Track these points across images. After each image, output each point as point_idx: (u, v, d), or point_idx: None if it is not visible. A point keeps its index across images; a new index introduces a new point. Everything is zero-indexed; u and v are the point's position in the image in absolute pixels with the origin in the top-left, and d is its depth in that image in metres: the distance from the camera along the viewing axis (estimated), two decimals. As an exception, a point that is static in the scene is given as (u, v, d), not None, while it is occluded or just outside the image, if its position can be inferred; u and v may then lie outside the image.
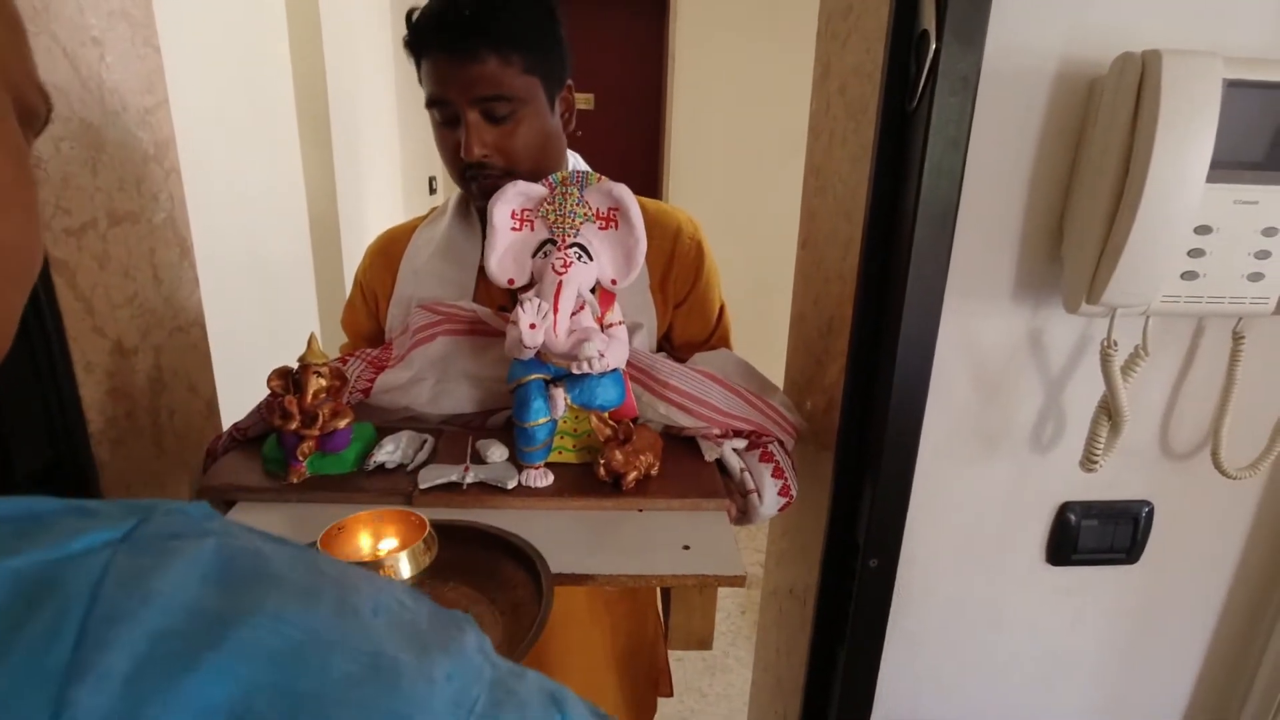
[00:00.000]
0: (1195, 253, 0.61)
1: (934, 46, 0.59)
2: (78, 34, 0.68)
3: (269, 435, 0.73)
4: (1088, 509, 0.76)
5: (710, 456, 0.75)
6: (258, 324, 1.60)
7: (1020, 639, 0.82)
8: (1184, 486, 0.76)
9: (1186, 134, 0.55)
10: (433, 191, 3.09)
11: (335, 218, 2.01)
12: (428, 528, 0.55)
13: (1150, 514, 0.77)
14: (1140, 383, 0.69)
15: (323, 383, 0.69)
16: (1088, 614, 0.81)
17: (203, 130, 1.38)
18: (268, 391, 0.71)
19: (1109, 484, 0.75)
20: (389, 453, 0.72)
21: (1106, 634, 0.82)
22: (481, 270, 0.86)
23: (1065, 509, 0.76)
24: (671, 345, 0.92)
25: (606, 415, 0.70)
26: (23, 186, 0.25)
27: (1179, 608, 0.82)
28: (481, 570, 0.57)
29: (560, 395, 0.69)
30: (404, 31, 0.77)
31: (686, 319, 0.91)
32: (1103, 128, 0.60)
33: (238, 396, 0.99)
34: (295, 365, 0.70)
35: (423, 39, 0.75)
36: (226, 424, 0.95)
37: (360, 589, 0.19)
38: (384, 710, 0.16)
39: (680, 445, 0.77)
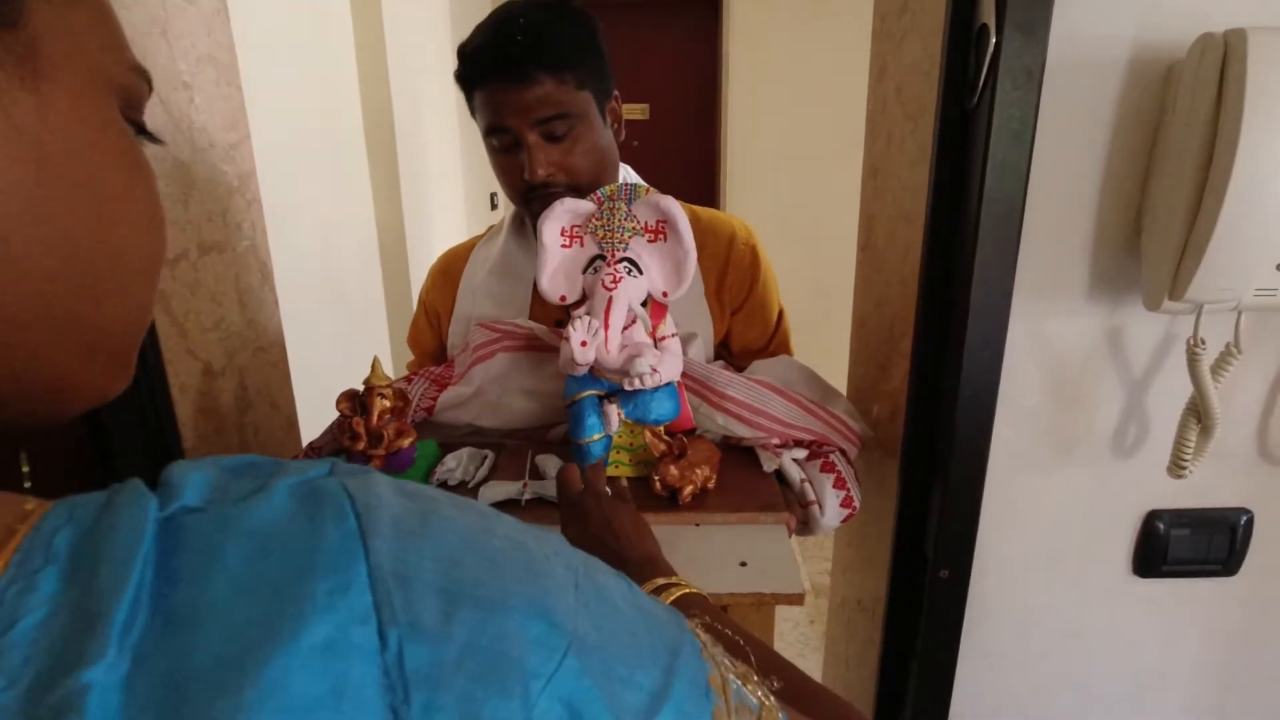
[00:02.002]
0: (1292, 242, 0.57)
1: (994, 40, 0.58)
2: (170, 79, 0.73)
3: (340, 454, 0.77)
4: (1178, 517, 0.71)
5: (769, 467, 0.74)
6: (331, 343, 1.68)
7: (1106, 656, 0.78)
8: (1288, 493, 0.71)
9: (1277, 115, 0.52)
10: (494, 207, 3.18)
11: (403, 240, 2.09)
12: None
13: (1250, 523, 0.71)
14: (1233, 382, 0.64)
15: (386, 404, 0.71)
16: (1181, 630, 0.76)
17: (279, 162, 1.46)
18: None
19: (1202, 491, 0.71)
20: (450, 470, 0.74)
21: (1203, 652, 0.77)
22: (537, 286, 0.88)
23: (1153, 517, 0.72)
24: (730, 352, 0.91)
25: (661, 430, 0.70)
26: (136, 184, 0.27)
27: (1287, 624, 0.76)
28: None
29: (614, 411, 0.69)
30: (455, 65, 0.80)
31: (744, 325, 0.90)
32: (1183, 113, 0.57)
33: (315, 412, 1.04)
34: (361, 387, 0.73)
35: (477, 70, 0.78)
36: (304, 438, 1.01)
37: (479, 507, 0.26)
38: (531, 569, 0.23)
39: (739, 456, 0.77)
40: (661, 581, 0.48)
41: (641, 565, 0.51)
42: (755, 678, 0.29)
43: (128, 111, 0.28)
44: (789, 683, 0.32)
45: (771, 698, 0.28)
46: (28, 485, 0.23)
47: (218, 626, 0.18)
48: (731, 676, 0.27)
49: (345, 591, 0.19)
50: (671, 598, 0.46)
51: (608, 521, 0.56)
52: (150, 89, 0.29)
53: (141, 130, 0.29)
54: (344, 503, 0.22)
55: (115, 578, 0.19)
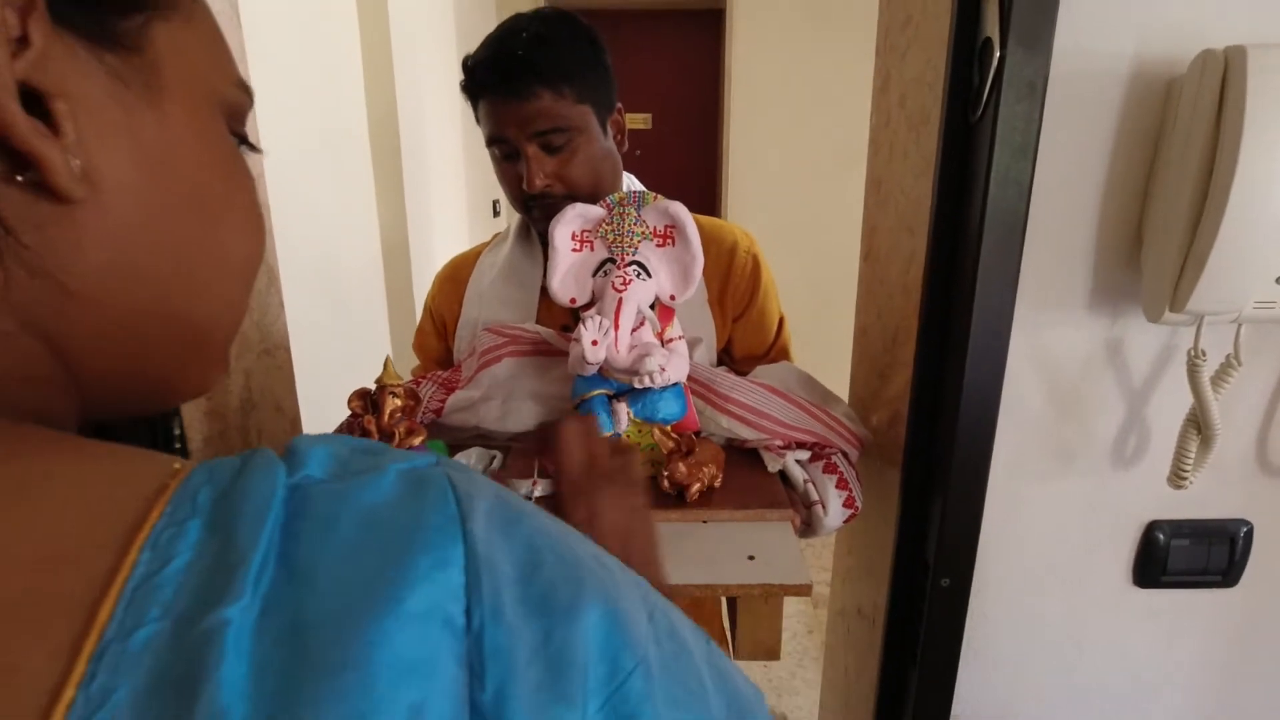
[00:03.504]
0: (1291, 256, 0.57)
1: (998, 54, 0.58)
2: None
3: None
4: (1178, 528, 0.72)
5: (773, 468, 0.75)
6: (334, 347, 1.68)
7: (1106, 665, 0.78)
8: (1287, 505, 0.71)
9: (1276, 131, 0.53)
10: (496, 214, 3.19)
11: (406, 246, 2.10)
12: None
13: (1249, 534, 0.72)
14: (1233, 394, 0.65)
15: (398, 403, 0.72)
16: (1181, 640, 0.76)
17: (286, 167, 1.47)
18: (345, 411, 0.75)
19: (1202, 502, 0.71)
20: (460, 469, 0.75)
21: (1203, 662, 0.77)
22: (543, 291, 0.88)
23: (1153, 528, 0.72)
24: (732, 359, 0.92)
25: (669, 428, 0.71)
26: (238, 193, 0.30)
27: (1286, 636, 0.76)
28: None
29: (623, 410, 0.70)
30: (461, 75, 0.82)
31: (746, 332, 0.91)
32: (1183, 128, 0.58)
33: (316, 415, 1.04)
34: (373, 387, 0.73)
35: (479, 83, 0.80)
36: (308, 442, 1.01)
37: (566, 525, 0.27)
38: (611, 584, 0.24)
39: (743, 457, 0.77)
40: None
41: None
42: None
43: (232, 124, 0.30)
44: None
45: None
46: (178, 447, 0.25)
47: (332, 584, 0.20)
48: None
49: (445, 567, 0.21)
50: None
51: (624, 536, 0.44)
52: (252, 102, 0.31)
53: (244, 140, 0.31)
54: (447, 489, 0.23)
55: (249, 533, 0.21)
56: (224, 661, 0.18)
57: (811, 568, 0.61)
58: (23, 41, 0.21)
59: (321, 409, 1.07)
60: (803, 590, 0.58)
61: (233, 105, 0.29)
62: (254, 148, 0.32)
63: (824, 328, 2.37)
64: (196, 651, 0.18)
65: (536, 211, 0.84)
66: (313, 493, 0.22)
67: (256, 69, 0.89)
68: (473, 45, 0.82)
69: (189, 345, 0.29)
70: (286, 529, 0.21)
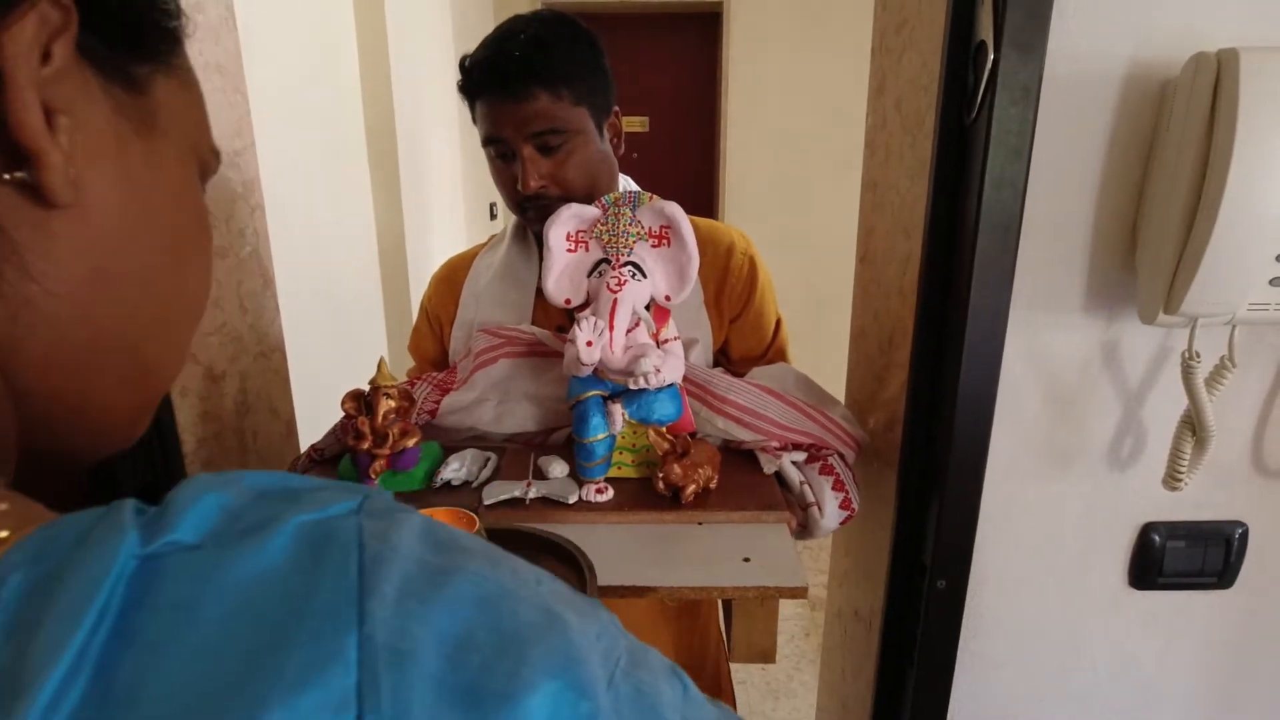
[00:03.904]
0: (1285, 258, 0.58)
1: (992, 57, 0.59)
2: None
3: (344, 455, 0.77)
4: (1173, 530, 0.72)
5: (769, 469, 0.75)
6: (330, 349, 1.68)
7: (1103, 667, 0.78)
8: (1282, 506, 0.71)
9: (1269, 133, 0.53)
10: (493, 217, 3.19)
11: (403, 248, 2.10)
12: (478, 525, 0.57)
13: (1244, 535, 0.72)
14: (1228, 396, 0.65)
15: (392, 404, 0.72)
16: (1177, 642, 0.77)
17: (282, 169, 1.47)
18: (341, 414, 0.75)
19: (1197, 503, 0.71)
20: (455, 470, 0.74)
21: (1199, 664, 0.77)
22: (539, 293, 0.88)
23: (1149, 529, 0.72)
24: (729, 360, 0.92)
25: (664, 430, 0.71)
26: (202, 237, 0.32)
27: (1279, 637, 0.76)
28: None
29: (618, 411, 0.70)
30: (458, 76, 0.82)
31: (742, 334, 0.91)
32: (1177, 130, 0.58)
33: (312, 417, 1.04)
34: (367, 388, 0.73)
35: (476, 83, 0.80)
36: (302, 444, 1.01)
37: (521, 563, 0.23)
38: (562, 652, 0.20)
39: (739, 459, 0.77)
40: None
41: None
42: None
43: (200, 181, 0.33)
44: None
45: None
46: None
47: (164, 708, 0.16)
48: None
49: (324, 668, 0.16)
50: None
51: None
52: (218, 166, 0.34)
53: None
54: (351, 552, 0.19)
55: (55, 639, 0.16)
56: None
57: (808, 570, 0.61)
58: (46, 57, 0.23)
59: (317, 411, 1.07)
60: (799, 593, 0.58)
61: (204, 165, 0.32)
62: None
63: (821, 329, 2.37)
64: None
65: (531, 213, 0.84)
66: (173, 568, 0.18)
67: (253, 70, 0.89)
68: (470, 45, 0.82)
69: (131, 383, 0.29)
70: (121, 625, 0.17)
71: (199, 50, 0.77)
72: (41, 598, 0.17)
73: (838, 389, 0.91)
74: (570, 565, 0.58)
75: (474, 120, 0.84)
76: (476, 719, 0.17)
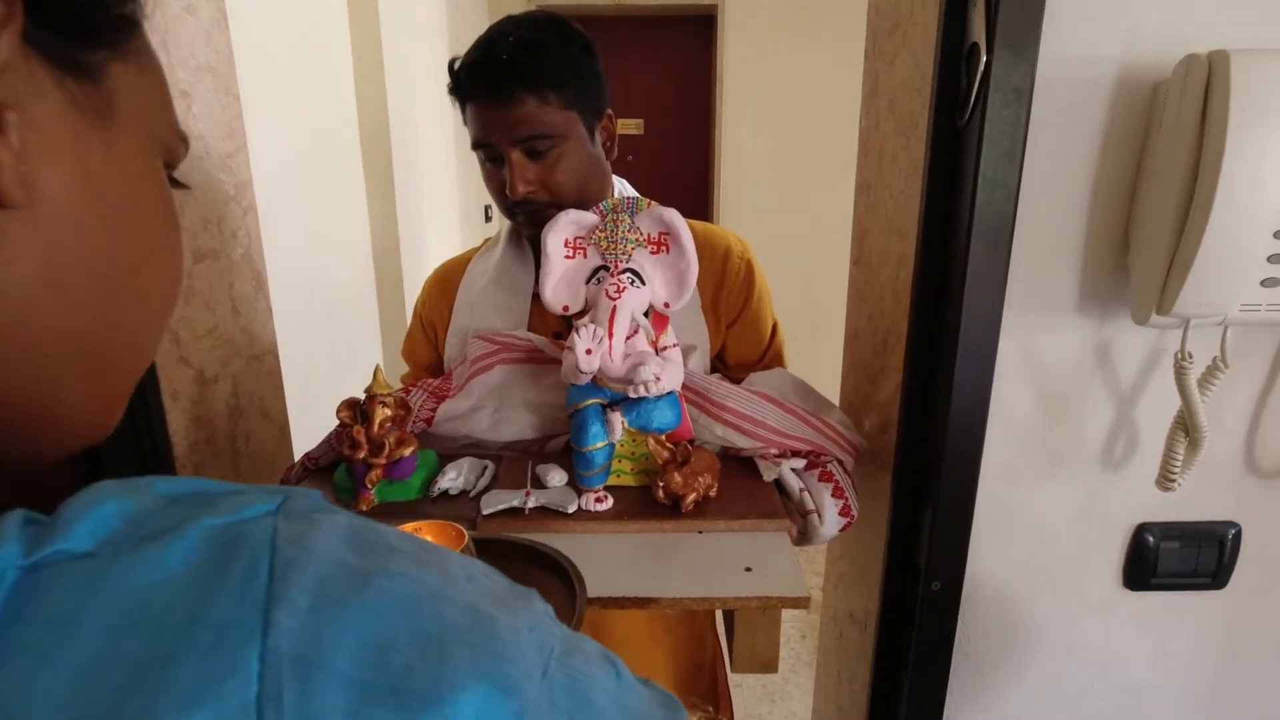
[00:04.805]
0: (1277, 259, 0.58)
1: (985, 59, 0.59)
2: (169, 88, 0.74)
3: (339, 464, 0.76)
4: (1167, 530, 0.72)
5: (769, 477, 0.74)
6: (324, 353, 1.67)
7: (1097, 667, 0.78)
8: (1274, 507, 0.71)
9: (1260, 135, 0.53)
10: (488, 220, 3.19)
11: (397, 251, 2.09)
12: (466, 538, 0.56)
13: (1238, 536, 0.72)
14: (1220, 396, 0.65)
15: (388, 412, 0.71)
16: (1171, 643, 0.77)
17: (275, 171, 1.46)
18: (334, 419, 0.74)
19: (1190, 504, 0.71)
20: (452, 480, 0.74)
21: (1193, 664, 0.77)
22: (535, 298, 0.88)
23: (1142, 530, 0.73)
24: (725, 365, 0.92)
25: (664, 438, 0.70)
26: (169, 234, 0.30)
27: (1273, 637, 0.76)
28: (518, 581, 0.58)
29: (617, 419, 0.69)
30: (448, 79, 0.82)
31: (739, 339, 0.91)
32: (1168, 132, 0.58)
33: (305, 422, 1.04)
34: (362, 396, 0.73)
35: (464, 86, 0.80)
36: (295, 448, 1.00)
37: (453, 560, 0.23)
38: (488, 651, 0.20)
39: (738, 466, 0.77)
40: None
41: None
42: None
43: (165, 168, 0.31)
44: None
45: None
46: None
47: None
48: None
49: (220, 682, 0.16)
50: None
51: None
52: (186, 150, 0.32)
53: (172, 180, 0.32)
54: (261, 557, 0.18)
55: None
56: None
57: (804, 572, 0.61)
58: None
59: (310, 415, 1.06)
60: (801, 603, 0.57)
61: (171, 151, 0.31)
62: (180, 184, 0.33)
63: (816, 333, 2.37)
64: None
65: (521, 217, 0.83)
66: (57, 578, 0.17)
67: (246, 72, 0.89)
68: (464, 47, 0.81)
69: (94, 381, 0.28)
70: None
71: (190, 52, 0.77)
72: None
73: (833, 392, 0.91)
74: (560, 577, 0.58)
75: (464, 123, 0.83)
76: (402, 715, 0.17)
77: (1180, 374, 0.63)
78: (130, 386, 0.31)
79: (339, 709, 0.16)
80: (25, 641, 0.16)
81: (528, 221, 0.82)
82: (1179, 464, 0.65)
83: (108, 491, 0.20)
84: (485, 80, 0.77)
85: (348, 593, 0.19)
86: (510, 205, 0.82)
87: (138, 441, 0.73)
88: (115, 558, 0.18)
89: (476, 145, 0.81)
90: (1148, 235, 0.61)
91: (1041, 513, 0.73)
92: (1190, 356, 0.62)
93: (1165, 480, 0.66)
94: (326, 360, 1.67)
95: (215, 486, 0.22)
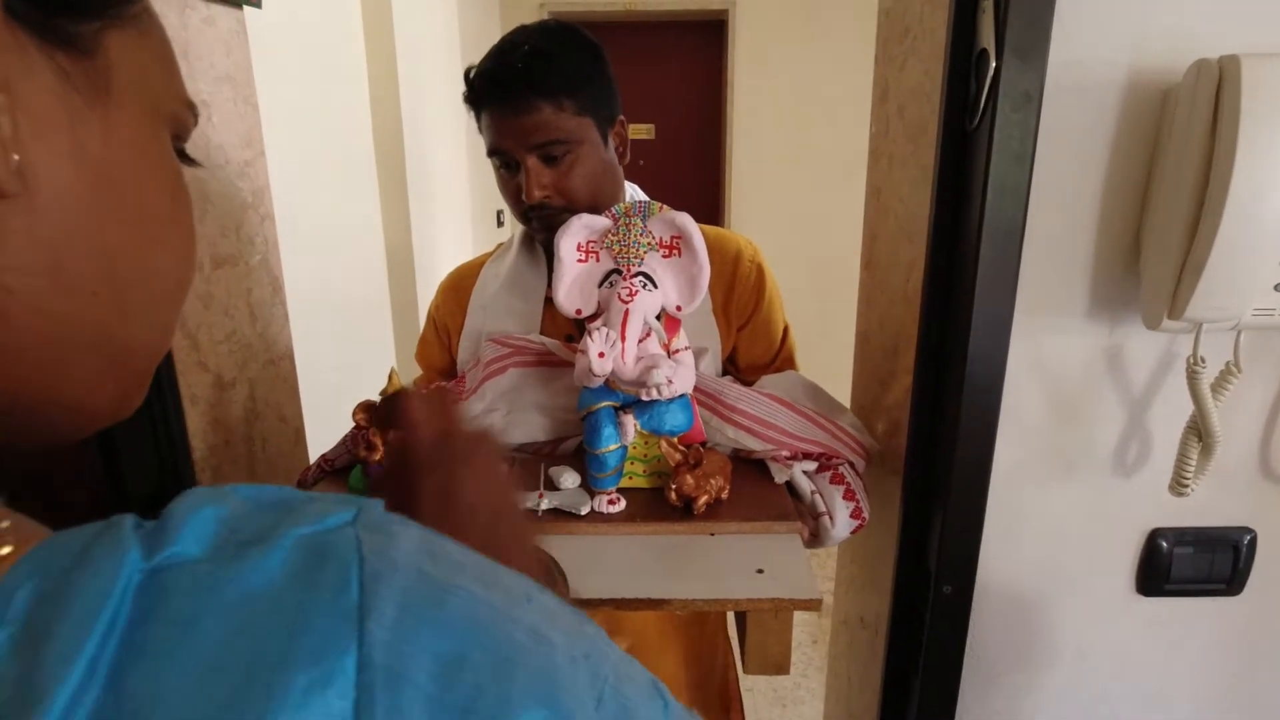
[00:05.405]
0: (1289, 263, 0.58)
1: (994, 65, 0.59)
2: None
3: (354, 466, 0.77)
4: (1181, 536, 0.72)
5: (780, 479, 0.74)
6: (338, 357, 1.69)
7: (1110, 674, 0.77)
8: (1290, 512, 0.71)
9: (1272, 138, 0.53)
10: (500, 224, 3.21)
11: (410, 257, 2.11)
12: None
13: (1253, 542, 0.72)
14: (1234, 401, 0.65)
15: (402, 413, 0.72)
16: (1185, 649, 0.76)
17: (291, 178, 1.48)
18: (349, 422, 0.75)
19: (1204, 509, 0.71)
20: (463, 480, 0.75)
21: (1207, 671, 0.77)
22: (547, 301, 0.89)
23: (1155, 535, 0.72)
24: (736, 368, 0.92)
25: (676, 440, 0.71)
26: (178, 210, 0.29)
27: (1291, 644, 0.76)
28: None
29: (630, 422, 0.70)
30: (464, 87, 0.83)
31: (750, 342, 0.91)
32: (1179, 136, 0.58)
33: (319, 426, 1.05)
34: (377, 398, 0.74)
35: (480, 95, 0.81)
36: (310, 451, 1.01)
37: (511, 578, 0.23)
38: (548, 678, 0.20)
39: (750, 468, 0.77)
40: None
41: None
42: None
43: (175, 141, 0.29)
44: None
45: None
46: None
47: (174, 717, 0.16)
48: None
49: (324, 689, 0.17)
50: None
51: (495, 523, 0.38)
52: (196, 120, 0.30)
53: (182, 156, 0.30)
54: (350, 567, 0.19)
55: (66, 650, 0.16)
56: None
57: (815, 576, 0.61)
58: None
59: (324, 419, 1.08)
60: (813, 605, 0.57)
61: (179, 123, 0.29)
62: (192, 161, 0.31)
63: (826, 336, 2.37)
64: None
65: (536, 222, 0.84)
66: (176, 581, 0.18)
67: (262, 80, 0.90)
68: (477, 55, 0.83)
69: (109, 364, 0.27)
70: (129, 637, 0.17)
71: (210, 63, 0.79)
72: (50, 610, 0.17)
73: (843, 395, 0.91)
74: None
75: (479, 130, 0.84)
76: None
77: (1193, 379, 0.63)
78: (149, 366, 0.30)
79: (421, 716, 0.17)
80: (154, 641, 0.17)
81: (542, 226, 0.83)
82: (1192, 469, 0.65)
83: (202, 498, 0.21)
84: (501, 88, 0.78)
85: (427, 608, 0.19)
86: (525, 210, 0.83)
87: (157, 445, 0.75)
88: (224, 563, 0.19)
89: (492, 152, 0.83)
90: (1159, 240, 0.61)
91: (1053, 517, 0.72)
92: (1203, 361, 0.62)
93: (1178, 485, 0.66)
94: (339, 364, 1.68)
95: (291, 494, 0.22)
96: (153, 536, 0.19)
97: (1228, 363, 0.63)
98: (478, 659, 0.19)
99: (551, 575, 0.57)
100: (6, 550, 0.19)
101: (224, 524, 0.20)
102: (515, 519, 0.41)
